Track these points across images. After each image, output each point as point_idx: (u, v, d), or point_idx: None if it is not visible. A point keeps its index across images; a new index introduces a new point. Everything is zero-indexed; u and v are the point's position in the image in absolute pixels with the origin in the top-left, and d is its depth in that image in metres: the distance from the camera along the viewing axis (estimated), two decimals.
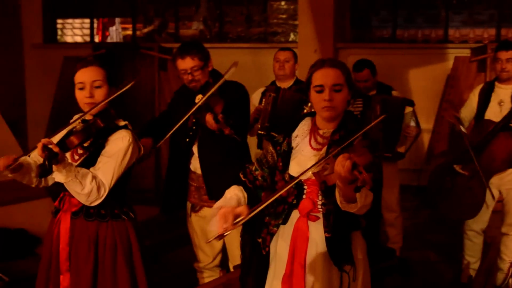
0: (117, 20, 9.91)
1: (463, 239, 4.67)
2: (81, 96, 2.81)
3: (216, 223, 2.42)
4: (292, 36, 8.86)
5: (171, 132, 3.57)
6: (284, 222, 2.54)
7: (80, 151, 2.80)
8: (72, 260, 2.80)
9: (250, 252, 2.65)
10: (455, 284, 4.67)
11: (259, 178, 2.67)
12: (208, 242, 3.33)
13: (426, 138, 7.87)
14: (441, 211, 4.76)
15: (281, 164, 2.59)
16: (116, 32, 9.91)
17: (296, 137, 2.61)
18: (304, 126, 2.64)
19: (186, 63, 3.56)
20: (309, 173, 2.34)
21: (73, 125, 2.79)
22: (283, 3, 8.99)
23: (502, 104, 4.30)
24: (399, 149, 4.81)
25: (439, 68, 8.13)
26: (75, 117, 2.83)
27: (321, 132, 2.57)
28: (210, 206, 3.45)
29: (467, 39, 8.60)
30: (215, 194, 3.40)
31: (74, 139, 2.65)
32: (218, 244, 3.75)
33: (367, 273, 2.59)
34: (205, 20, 9.19)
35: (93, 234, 2.80)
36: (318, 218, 2.48)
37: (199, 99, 3.48)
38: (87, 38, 9.56)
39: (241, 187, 2.63)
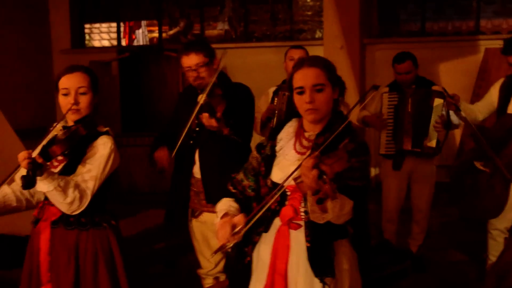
0: (143, 23, 9.97)
1: (486, 238, 4.49)
2: (65, 102, 2.78)
3: (217, 236, 2.36)
4: (318, 33, 8.73)
5: (183, 136, 3.52)
6: (266, 229, 2.43)
7: (60, 158, 2.75)
8: (53, 270, 2.75)
9: (236, 261, 2.56)
10: (477, 285, 4.48)
11: (247, 189, 2.55)
12: (212, 256, 3.25)
13: (457, 133, 7.63)
14: (463, 210, 4.59)
15: (263, 169, 2.47)
16: (142, 35, 9.96)
17: (280, 140, 2.49)
18: (289, 129, 2.50)
19: (191, 60, 3.52)
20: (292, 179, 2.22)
21: (54, 133, 2.75)
22: None
23: None
24: (428, 143, 4.65)
25: (470, 61, 7.89)
26: (55, 124, 2.79)
27: (306, 135, 2.43)
28: (210, 211, 3.41)
29: (499, 29, 8.32)
30: (214, 198, 3.35)
31: (57, 149, 2.60)
32: None
33: (355, 284, 2.44)
34: (230, 20, 9.13)
35: (73, 243, 2.75)
36: (300, 226, 2.35)
37: (204, 100, 3.41)
38: (114, 42, 9.63)
39: (232, 199, 2.52)
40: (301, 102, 2.36)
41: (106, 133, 2.83)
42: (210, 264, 3.75)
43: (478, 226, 4.81)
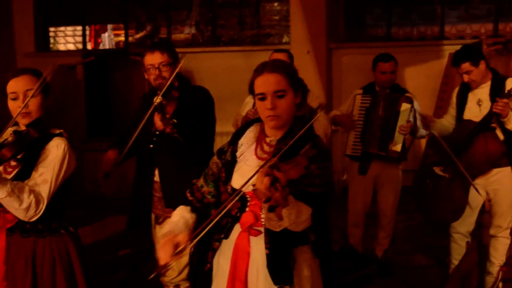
0: (109, 26, 9.85)
1: (449, 242, 4.53)
2: (14, 107, 2.73)
3: (159, 255, 2.28)
4: (285, 38, 8.74)
5: (134, 136, 3.51)
6: (226, 236, 2.39)
7: (13, 163, 2.69)
8: (9, 279, 2.69)
9: (196, 268, 2.51)
10: None
11: (207, 195, 2.50)
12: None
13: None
14: (425, 214, 4.65)
15: (224, 174, 2.43)
16: (108, 39, 9.85)
17: (241, 146, 2.45)
18: (251, 133, 2.47)
19: (155, 58, 3.52)
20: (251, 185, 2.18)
21: (5, 137, 2.69)
22: (275, 4, 8.88)
23: (480, 103, 4.16)
24: (393, 147, 4.68)
25: (435, 65, 7.99)
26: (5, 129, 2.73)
27: (268, 140, 2.39)
28: None
29: (463, 35, 8.45)
30: (172, 202, 3.35)
31: (6, 152, 2.54)
32: (184, 257, 3.62)
33: None
34: (197, 24, 9.09)
35: (30, 251, 2.69)
36: (260, 232, 2.31)
37: (158, 100, 3.40)
38: (80, 46, 9.50)
39: (189, 207, 2.47)
40: (262, 108, 2.32)
41: (59, 135, 2.77)
42: (173, 272, 3.71)
43: (443, 230, 4.87)
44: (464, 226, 4.35)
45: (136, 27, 9.34)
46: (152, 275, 2.26)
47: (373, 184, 4.98)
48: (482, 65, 4.13)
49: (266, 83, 2.31)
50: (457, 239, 4.42)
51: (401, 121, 4.64)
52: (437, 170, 4.27)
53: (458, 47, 4.41)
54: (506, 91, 4.02)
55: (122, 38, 9.46)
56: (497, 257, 4.36)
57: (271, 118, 2.31)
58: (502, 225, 4.29)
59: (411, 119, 4.66)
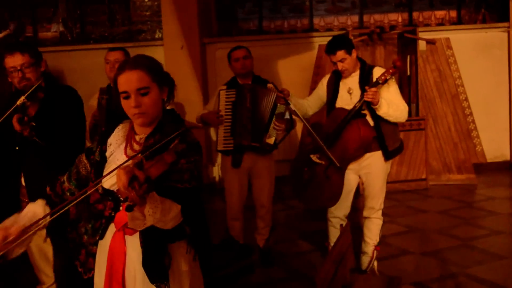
0: None
1: (327, 226, 4.67)
2: None
3: None
4: (158, 34, 8.62)
5: None
6: (101, 237, 2.31)
7: None
8: None
9: (68, 277, 2.41)
10: None
11: (66, 192, 2.42)
12: None
13: (298, 127, 7.92)
14: (303, 201, 4.76)
15: (93, 176, 2.35)
16: None
17: (110, 145, 2.38)
18: (120, 132, 2.40)
19: (16, 60, 3.40)
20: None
21: None
22: None
23: (351, 92, 4.31)
24: (267, 140, 4.74)
25: (306, 57, 8.22)
26: None
27: (137, 138, 2.34)
28: None
29: (331, 27, 8.75)
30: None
31: None
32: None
33: (197, 284, 2.40)
34: (64, 21, 8.75)
35: None
36: (135, 231, 2.24)
37: (20, 101, 3.25)
38: None
39: (44, 201, 2.37)
40: (127, 106, 2.26)
41: None
42: (49, 279, 3.56)
43: (322, 216, 5.02)
44: (340, 210, 4.50)
45: None
46: None
47: (248, 176, 5.04)
48: (354, 54, 4.29)
49: (128, 81, 2.24)
50: (335, 223, 4.56)
51: (274, 114, 4.73)
52: (314, 157, 4.38)
53: (327, 39, 4.53)
54: (374, 80, 4.21)
55: None
56: (371, 237, 4.56)
57: (137, 116, 2.26)
58: (374, 207, 4.49)
59: (286, 111, 4.75)
